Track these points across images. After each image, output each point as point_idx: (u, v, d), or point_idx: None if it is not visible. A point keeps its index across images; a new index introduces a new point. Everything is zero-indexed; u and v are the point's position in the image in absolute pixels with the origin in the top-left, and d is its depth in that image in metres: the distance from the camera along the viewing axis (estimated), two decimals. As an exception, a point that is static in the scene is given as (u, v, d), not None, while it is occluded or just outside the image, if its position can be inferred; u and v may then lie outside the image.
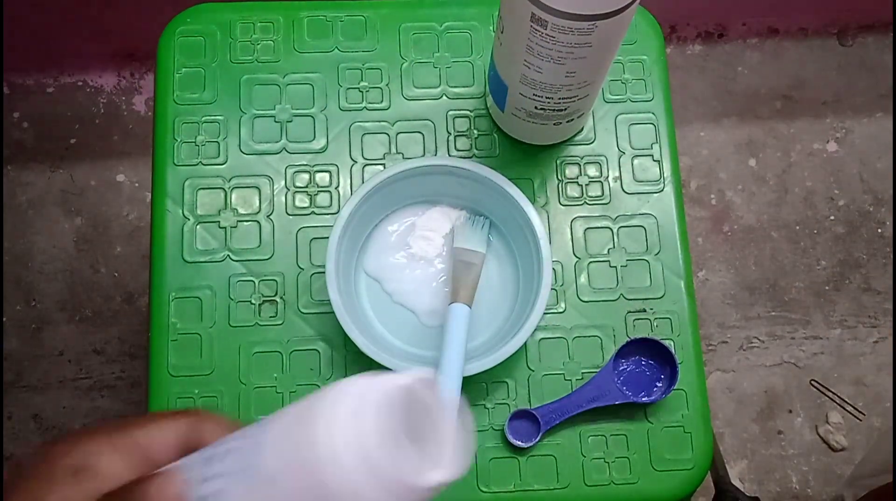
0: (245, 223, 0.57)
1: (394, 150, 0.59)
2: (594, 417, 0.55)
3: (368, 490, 0.23)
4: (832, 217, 1.30)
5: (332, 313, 0.50)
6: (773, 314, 1.23)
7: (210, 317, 0.55)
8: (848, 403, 1.20)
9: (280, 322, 0.55)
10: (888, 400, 1.20)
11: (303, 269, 0.56)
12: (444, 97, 0.61)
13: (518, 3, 0.44)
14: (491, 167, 0.52)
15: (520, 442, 0.54)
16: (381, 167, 0.59)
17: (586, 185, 0.59)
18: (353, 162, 0.59)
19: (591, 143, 0.60)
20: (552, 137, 0.59)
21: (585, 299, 0.57)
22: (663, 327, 0.57)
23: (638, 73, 0.62)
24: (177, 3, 0.66)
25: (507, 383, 0.55)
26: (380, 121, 0.60)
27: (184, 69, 0.60)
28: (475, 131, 0.60)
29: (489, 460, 0.54)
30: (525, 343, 0.52)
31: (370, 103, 0.60)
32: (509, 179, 0.52)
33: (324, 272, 0.50)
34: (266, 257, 0.57)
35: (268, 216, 0.57)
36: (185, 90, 0.59)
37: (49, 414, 1.17)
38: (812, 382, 1.20)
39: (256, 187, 0.58)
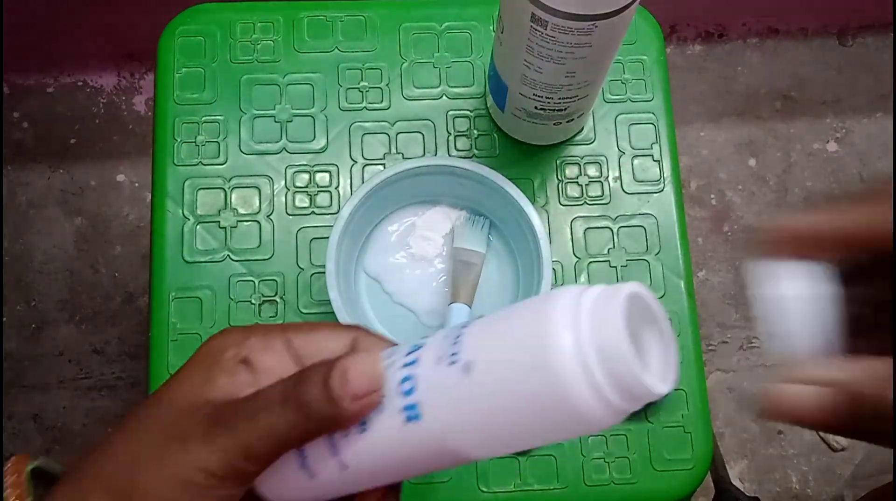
0: (245, 223, 0.57)
1: (394, 150, 0.59)
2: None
3: (593, 393, 0.22)
4: (832, 217, 1.30)
5: (332, 313, 0.50)
6: (773, 314, 1.23)
7: (210, 317, 0.55)
8: (848, 403, 1.20)
9: (281, 323, 0.55)
10: (888, 400, 1.20)
11: (303, 269, 0.57)
12: (444, 97, 0.61)
13: (518, 3, 0.44)
14: (491, 167, 0.52)
15: (520, 442, 0.54)
16: (381, 167, 0.59)
17: (586, 185, 0.59)
18: (353, 162, 0.59)
19: (591, 143, 0.60)
20: (552, 137, 0.59)
21: (585, 299, 0.57)
22: (663, 327, 0.57)
23: (638, 73, 0.62)
24: (177, 3, 0.66)
25: (507, 383, 0.55)
26: (380, 121, 0.60)
27: (184, 69, 0.60)
28: (475, 131, 0.60)
29: (489, 460, 0.54)
30: (525, 343, 0.52)
31: (370, 103, 0.60)
32: (509, 179, 0.52)
33: (324, 272, 0.50)
34: (266, 257, 0.57)
35: (268, 216, 0.57)
36: (185, 90, 0.60)
37: (49, 414, 1.17)
38: (812, 382, 1.20)
39: (256, 187, 0.58)
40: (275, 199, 0.58)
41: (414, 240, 0.57)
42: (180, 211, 0.57)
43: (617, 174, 0.60)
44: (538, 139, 0.59)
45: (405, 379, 0.25)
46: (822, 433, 1.19)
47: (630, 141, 0.60)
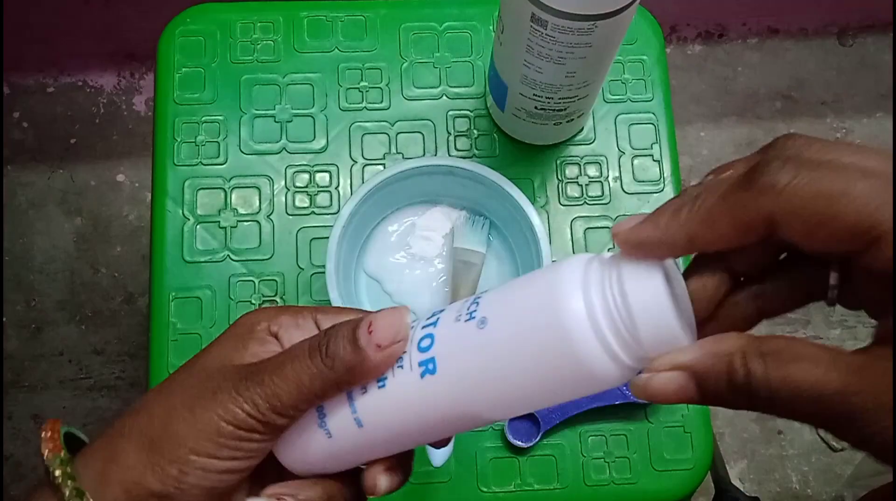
0: (245, 223, 0.57)
1: (394, 150, 0.59)
2: (594, 417, 0.55)
3: (601, 344, 0.23)
4: (832, 217, 1.30)
5: (332, 313, 0.49)
6: (773, 314, 1.23)
7: (210, 317, 0.55)
8: (848, 403, 1.20)
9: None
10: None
11: (303, 269, 0.57)
12: (444, 97, 0.61)
13: (518, 3, 0.44)
14: (491, 167, 0.52)
15: (520, 442, 0.54)
16: (381, 167, 0.59)
17: (586, 185, 0.59)
18: (353, 162, 0.59)
19: (591, 143, 0.60)
20: (552, 137, 0.59)
21: (585, 299, 0.57)
22: (663, 327, 0.57)
23: (638, 73, 0.62)
24: (177, 3, 0.66)
25: (507, 383, 0.55)
26: (380, 121, 0.60)
27: (184, 69, 0.60)
28: (475, 131, 0.60)
29: (489, 460, 0.54)
30: (525, 343, 0.52)
31: (370, 103, 0.60)
32: (509, 179, 0.52)
33: (324, 272, 0.50)
34: (266, 257, 0.57)
35: (268, 216, 0.57)
36: (185, 90, 0.60)
37: (49, 414, 1.17)
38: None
39: (256, 187, 0.58)
40: (275, 199, 0.58)
41: (414, 240, 0.57)
42: (180, 211, 0.57)
43: (617, 174, 0.60)
44: (538, 139, 0.59)
45: (424, 337, 0.27)
46: (821, 434, 1.19)
47: (630, 141, 0.60)
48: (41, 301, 1.21)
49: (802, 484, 1.19)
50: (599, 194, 0.59)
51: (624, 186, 0.59)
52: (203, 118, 0.59)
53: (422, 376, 0.26)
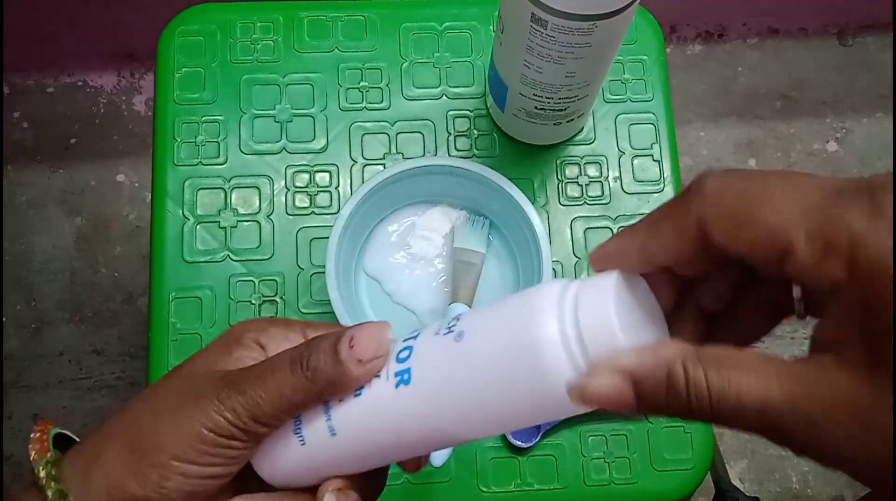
0: (245, 223, 0.57)
1: (394, 150, 0.59)
2: (594, 417, 0.55)
3: (571, 367, 0.23)
4: (832, 217, 1.30)
5: (332, 313, 0.49)
6: (773, 314, 1.23)
7: (210, 317, 0.55)
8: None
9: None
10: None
11: (303, 269, 0.57)
12: (444, 97, 0.61)
13: (518, 3, 0.44)
14: (491, 167, 0.52)
15: (520, 442, 0.54)
16: (381, 167, 0.59)
17: (586, 185, 0.59)
18: (353, 162, 0.59)
19: (591, 143, 0.60)
20: (552, 137, 0.59)
21: (585, 299, 0.57)
22: (663, 327, 0.57)
23: (638, 73, 0.62)
24: (177, 3, 0.66)
25: (507, 383, 0.55)
26: (380, 121, 0.60)
27: (184, 69, 0.60)
28: (475, 131, 0.60)
29: (489, 460, 0.54)
30: (525, 343, 0.52)
31: (370, 103, 0.60)
32: (509, 179, 0.52)
33: (324, 272, 0.50)
34: (266, 257, 0.57)
35: (268, 216, 0.57)
36: (185, 90, 0.59)
37: (49, 414, 1.17)
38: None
39: (256, 187, 0.58)
40: (275, 199, 0.58)
41: (414, 240, 0.57)
42: (180, 211, 0.57)
43: (617, 174, 0.60)
44: (538, 139, 0.59)
45: (403, 349, 0.27)
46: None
47: (630, 141, 0.60)
48: (41, 301, 1.21)
49: (802, 484, 1.19)
50: (599, 193, 0.59)
51: (624, 187, 0.59)
52: (203, 118, 0.59)
53: (396, 386, 0.26)
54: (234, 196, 0.58)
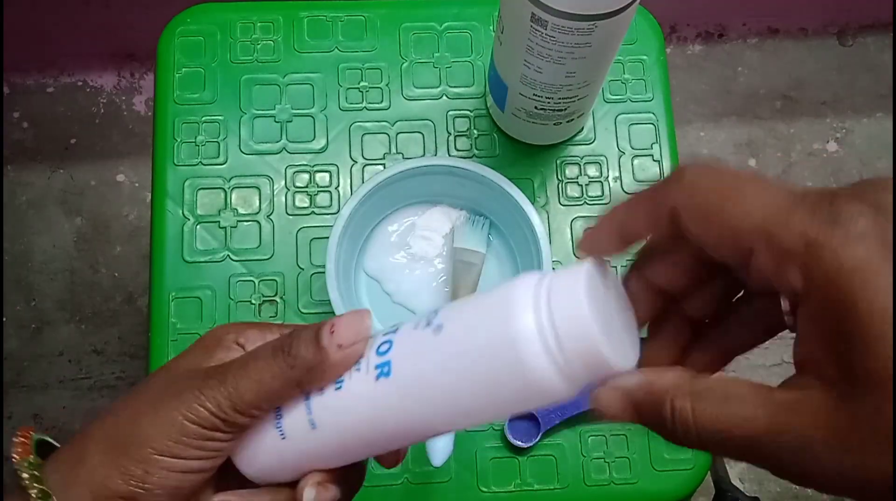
0: (245, 223, 0.57)
1: (394, 150, 0.59)
2: (594, 417, 0.54)
3: (555, 369, 0.24)
4: (832, 217, 1.29)
5: (332, 313, 0.50)
6: (773, 314, 1.23)
7: (210, 317, 0.55)
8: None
9: (280, 323, 0.55)
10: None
11: (303, 269, 0.56)
12: (444, 97, 0.61)
13: (518, 3, 0.44)
14: (491, 167, 0.52)
15: (520, 442, 0.54)
16: (381, 167, 0.59)
17: (586, 185, 0.59)
18: (353, 162, 0.59)
19: (591, 143, 0.60)
20: (552, 137, 0.59)
21: (585, 299, 0.57)
22: (663, 327, 0.57)
23: (638, 73, 0.62)
24: (177, 3, 0.66)
25: (507, 383, 0.55)
26: (380, 121, 0.60)
27: (184, 69, 0.60)
28: (475, 131, 0.60)
29: (489, 460, 0.54)
30: (525, 343, 0.52)
31: (370, 103, 0.60)
32: (509, 179, 0.52)
33: (324, 272, 0.50)
34: (266, 257, 0.57)
35: (268, 216, 0.57)
36: (185, 90, 0.59)
37: (49, 414, 1.17)
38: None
39: (256, 187, 0.58)
40: (275, 199, 0.58)
41: (414, 240, 0.57)
42: (180, 211, 0.57)
43: (617, 174, 0.60)
44: (538, 139, 0.59)
45: (383, 343, 0.27)
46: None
47: (630, 141, 0.60)
48: (41, 301, 1.21)
49: (802, 484, 1.19)
50: (599, 193, 0.59)
51: (624, 186, 0.59)
52: (203, 118, 0.59)
53: (376, 378, 0.26)
54: (234, 196, 0.58)
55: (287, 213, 0.58)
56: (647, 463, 0.54)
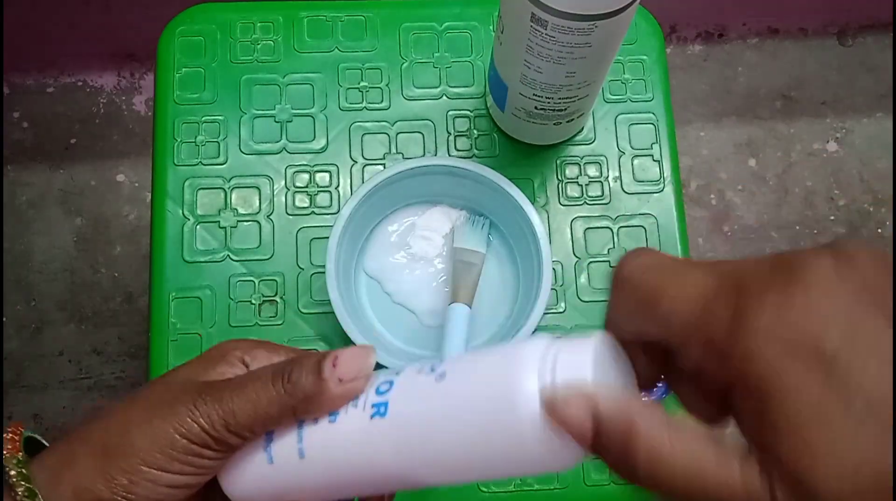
0: (245, 223, 0.57)
1: (394, 150, 0.59)
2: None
3: (545, 433, 0.23)
4: (832, 217, 1.30)
5: (332, 313, 0.50)
6: (773, 314, 1.23)
7: (210, 317, 0.55)
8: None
9: (280, 322, 0.55)
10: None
11: (303, 269, 0.57)
12: (444, 97, 0.61)
13: (518, 3, 0.44)
14: (491, 167, 0.52)
15: (520, 442, 0.54)
16: (381, 167, 0.59)
17: (586, 185, 0.59)
18: (353, 162, 0.59)
19: (591, 143, 0.60)
20: (552, 137, 0.59)
21: (585, 299, 0.57)
22: (663, 327, 0.57)
23: (638, 73, 0.62)
24: (177, 3, 0.66)
25: (507, 383, 0.55)
26: (380, 121, 0.60)
27: (184, 69, 0.60)
28: (475, 131, 0.60)
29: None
30: (525, 343, 0.52)
31: (370, 103, 0.60)
32: (509, 179, 0.52)
33: (324, 272, 0.50)
34: (266, 257, 0.57)
35: (268, 216, 0.57)
36: (185, 90, 0.60)
37: (49, 414, 1.17)
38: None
39: (256, 187, 0.58)
40: (275, 199, 0.58)
41: (414, 240, 0.57)
42: (180, 211, 0.57)
43: (617, 174, 0.60)
44: (538, 139, 0.59)
45: (384, 382, 0.27)
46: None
47: (630, 141, 0.60)
48: (41, 301, 1.21)
49: (802, 484, 1.19)
50: (599, 193, 0.59)
51: (624, 187, 0.59)
52: (203, 118, 0.59)
53: (371, 417, 0.26)
54: (234, 196, 0.58)
55: (287, 213, 0.58)
56: (647, 463, 0.54)
